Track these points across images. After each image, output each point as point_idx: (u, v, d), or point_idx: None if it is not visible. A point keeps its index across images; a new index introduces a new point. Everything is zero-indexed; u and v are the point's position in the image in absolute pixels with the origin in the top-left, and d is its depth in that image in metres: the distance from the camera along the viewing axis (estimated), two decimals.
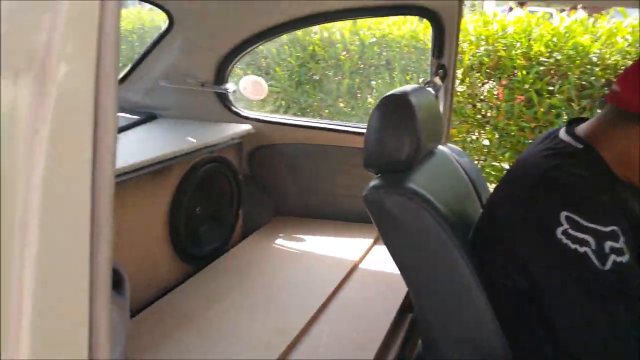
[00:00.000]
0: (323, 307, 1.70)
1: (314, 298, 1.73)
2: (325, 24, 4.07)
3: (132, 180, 1.61)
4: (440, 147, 1.58)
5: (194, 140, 1.95)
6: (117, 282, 0.54)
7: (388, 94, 1.35)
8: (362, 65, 4.02)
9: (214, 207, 2.12)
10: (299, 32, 4.00)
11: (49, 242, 0.45)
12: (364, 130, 1.36)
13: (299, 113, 4.08)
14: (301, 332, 1.54)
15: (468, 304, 1.27)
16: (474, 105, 3.58)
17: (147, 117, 2.25)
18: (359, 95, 4.06)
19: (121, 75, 2.31)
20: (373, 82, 4.05)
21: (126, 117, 2.19)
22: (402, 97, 1.31)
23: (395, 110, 1.32)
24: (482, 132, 3.64)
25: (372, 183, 1.32)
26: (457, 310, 1.33)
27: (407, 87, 1.38)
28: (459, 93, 3.52)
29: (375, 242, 2.20)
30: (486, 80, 3.54)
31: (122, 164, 1.59)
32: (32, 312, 0.43)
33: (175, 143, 1.90)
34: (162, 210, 1.77)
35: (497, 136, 3.52)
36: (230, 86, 2.33)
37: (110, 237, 0.46)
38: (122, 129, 2.02)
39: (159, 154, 1.74)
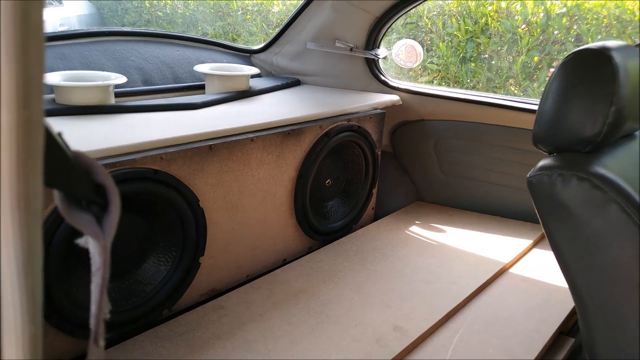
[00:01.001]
0: (454, 311, 1.40)
1: (445, 299, 1.44)
2: None
3: (258, 138, 1.49)
4: None
5: (331, 106, 1.77)
6: (104, 206, 0.35)
7: (581, 47, 1.02)
8: (543, 41, 3.44)
9: (346, 181, 1.93)
10: (472, 3, 3.57)
11: None
12: (534, 107, 1.06)
13: None
14: (421, 336, 1.27)
15: None
16: None
17: (291, 82, 2.15)
18: (535, 76, 3.50)
19: (270, 39, 2.24)
20: (555, 62, 3.47)
21: (270, 80, 2.11)
22: (601, 53, 0.99)
23: (588, 68, 1.01)
24: None
25: (542, 162, 1.04)
26: None
27: (609, 42, 1.03)
28: None
29: (534, 245, 1.81)
30: None
31: (246, 122, 1.48)
32: None
33: (309, 107, 1.75)
34: (289, 176, 1.64)
35: None
36: (381, 52, 2.11)
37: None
38: (262, 92, 1.93)
39: (288, 116, 1.61)
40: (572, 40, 3.36)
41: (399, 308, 1.39)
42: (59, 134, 0.34)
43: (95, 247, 0.36)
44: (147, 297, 1.31)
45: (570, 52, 1.05)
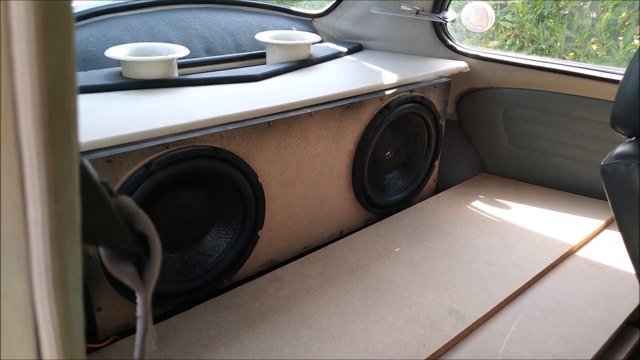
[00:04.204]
0: (514, 296, 1.36)
1: (506, 282, 1.40)
2: None
3: (317, 113, 1.48)
4: None
5: (394, 76, 1.71)
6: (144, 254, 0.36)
7: None
8: None
9: (407, 153, 1.88)
10: None
11: None
12: (618, 77, 0.98)
13: (535, 54, 3.43)
14: (477, 321, 1.25)
15: None
16: None
17: (353, 48, 2.09)
18: (620, 36, 3.19)
19: (332, 2, 2.17)
20: None
21: (331, 46, 2.06)
22: None
23: None
24: None
25: (619, 149, 0.98)
26: None
27: None
28: None
29: (606, 226, 1.71)
30: None
31: (304, 96, 1.46)
32: None
33: (369, 77, 1.69)
34: (347, 150, 1.62)
35: None
36: (449, 14, 1.99)
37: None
38: (323, 60, 1.89)
39: (348, 88, 1.57)
40: None
41: (456, 290, 1.36)
42: (104, 183, 0.34)
43: (138, 296, 0.37)
44: (209, 268, 1.36)
45: None
